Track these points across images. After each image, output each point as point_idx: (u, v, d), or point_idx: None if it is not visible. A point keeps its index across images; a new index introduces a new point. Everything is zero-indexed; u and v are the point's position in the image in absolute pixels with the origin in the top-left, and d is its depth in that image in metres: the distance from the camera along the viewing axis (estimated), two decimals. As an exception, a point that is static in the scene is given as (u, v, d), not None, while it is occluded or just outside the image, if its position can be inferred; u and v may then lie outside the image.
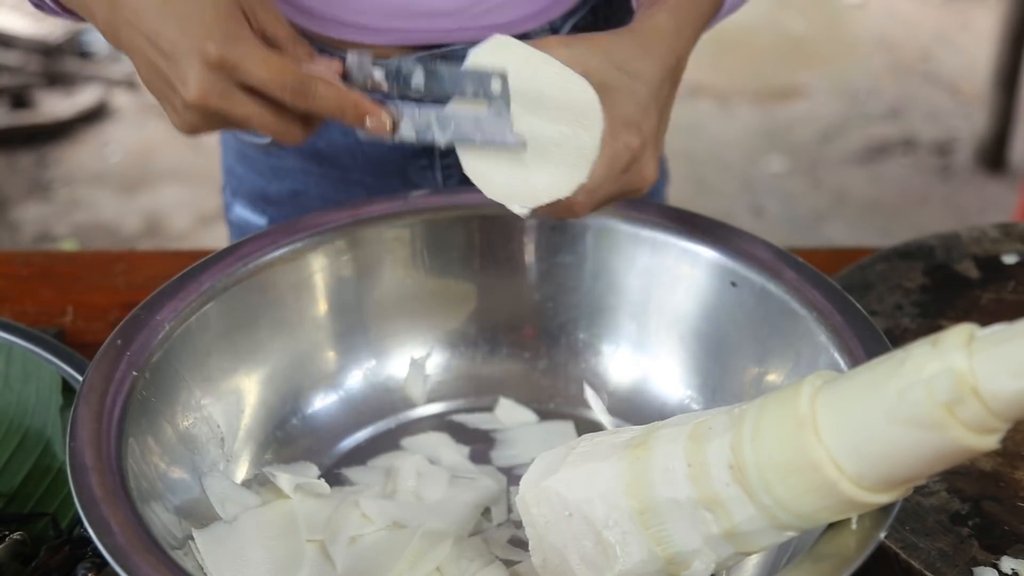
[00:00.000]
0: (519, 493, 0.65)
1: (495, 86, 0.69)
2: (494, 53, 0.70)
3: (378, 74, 0.69)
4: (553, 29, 0.93)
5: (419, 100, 0.70)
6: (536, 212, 0.72)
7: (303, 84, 0.67)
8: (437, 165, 0.98)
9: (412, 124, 0.69)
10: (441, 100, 0.70)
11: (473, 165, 0.71)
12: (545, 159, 0.70)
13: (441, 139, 0.69)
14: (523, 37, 0.71)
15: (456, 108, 0.69)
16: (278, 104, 0.68)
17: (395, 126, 0.69)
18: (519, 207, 0.71)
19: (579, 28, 0.95)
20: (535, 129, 0.70)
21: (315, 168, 1.01)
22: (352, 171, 1.00)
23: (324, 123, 0.71)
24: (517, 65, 0.69)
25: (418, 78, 0.69)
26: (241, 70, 0.66)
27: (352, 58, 0.69)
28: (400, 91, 0.69)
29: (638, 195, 0.74)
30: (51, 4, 0.76)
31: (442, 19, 0.90)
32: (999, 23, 3.08)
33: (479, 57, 0.70)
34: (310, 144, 0.99)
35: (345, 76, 0.69)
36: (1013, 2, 2.99)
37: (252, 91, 0.67)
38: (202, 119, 0.68)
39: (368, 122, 0.68)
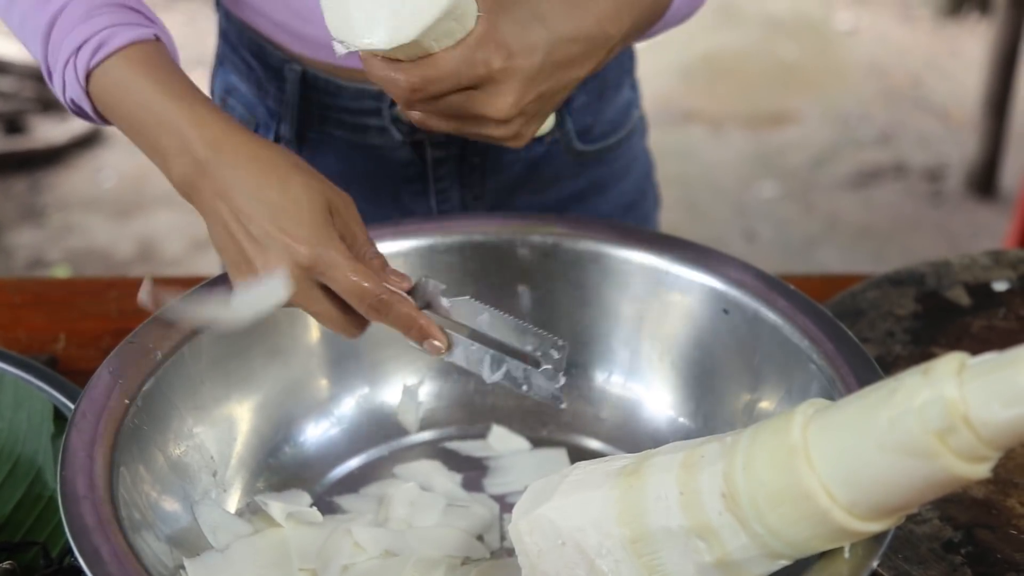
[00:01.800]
0: (512, 521, 0.65)
1: (555, 352, 0.72)
2: None
3: (445, 304, 0.73)
4: None
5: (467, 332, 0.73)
6: (362, 61, 0.70)
7: (383, 303, 0.69)
8: (431, 191, 0.99)
9: (464, 355, 0.73)
10: (497, 343, 0.73)
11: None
12: (385, 10, 0.67)
13: (489, 376, 0.73)
14: None
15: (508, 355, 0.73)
16: (347, 307, 0.70)
17: (449, 350, 0.72)
18: (340, 45, 0.68)
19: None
20: None
21: (308, 195, 1.01)
22: (345, 197, 1.00)
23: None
24: None
25: (483, 320, 0.73)
26: (328, 277, 0.68)
27: (424, 283, 0.72)
28: (459, 326, 0.73)
29: (483, 129, 0.72)
30: (93, 115, 0.75)
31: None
32: (988, 49, 3.10)
33: None
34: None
35: (411, 292, 0.72)
36: (1002, 28, 3.02)
37: (329, 291, 0.69)
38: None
39: (426, 345, 0.72)
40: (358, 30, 0.67)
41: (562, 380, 0.73)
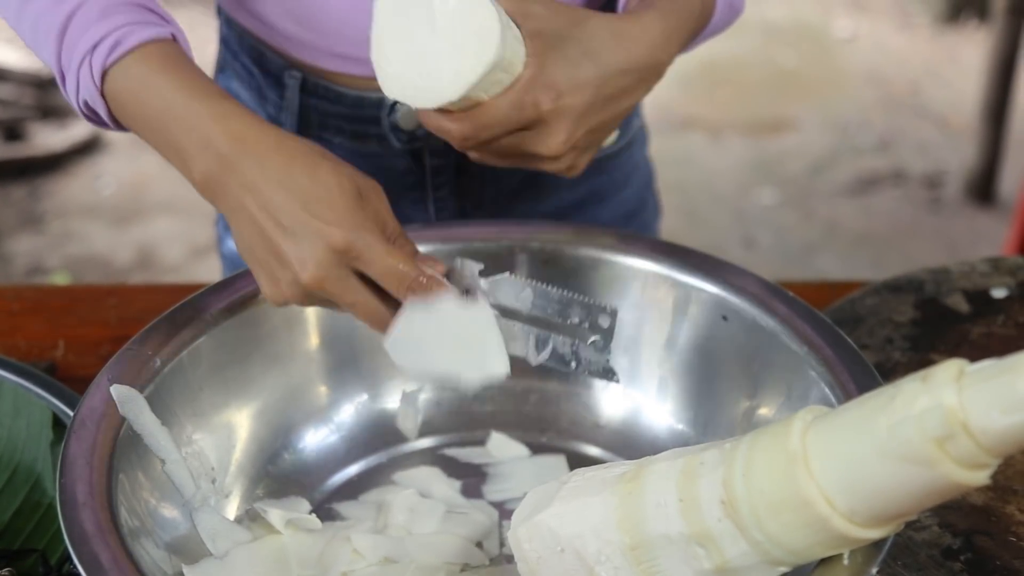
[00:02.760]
0: (511, 528, 0.65)
1: (603, 321, 0.70)
2: None
3: (484, 285, 0.70)
4: None
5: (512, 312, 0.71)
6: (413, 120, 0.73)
7: (421, 286, 0.67)
8: (430, 199, 0.99)
9: (508, 338, 0.70)
10: (542, 321, 0.71)
11: (379, 57, 0.70)
12: (434, 69, 0.69)
13: (535, 358, 0.70)
14: None
15: (553, 332, 0.71)
16: (385, 294, 0.68)
17: None
18: (399, 104, 0.70)
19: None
20: (429, 41, 0.69)
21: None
22: (345, 204, 1.00)
23: None
24: None
25: (525, 297, 0.70)
26: (364, 260, 0.66)
27: (460, 266, 0.70)
28: (502, 305, 0.70)
29: (538, 165, 0.74)
30: (107, 119, 0.73)
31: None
32: (987, 57, 3.11)
33: None
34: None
35: (448, 276, 0.70)
36: (1001, 36, 3.02)
37: (365, 279, 0.67)
38: (304, 297, 0.68)
39: None
40: (410, 90, 0.69)
41: (611, 352, 0.70)
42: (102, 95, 0.72)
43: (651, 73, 0.75)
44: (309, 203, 0.66)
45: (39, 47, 0.74)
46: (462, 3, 0.69)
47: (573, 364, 0.70)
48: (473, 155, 0.75)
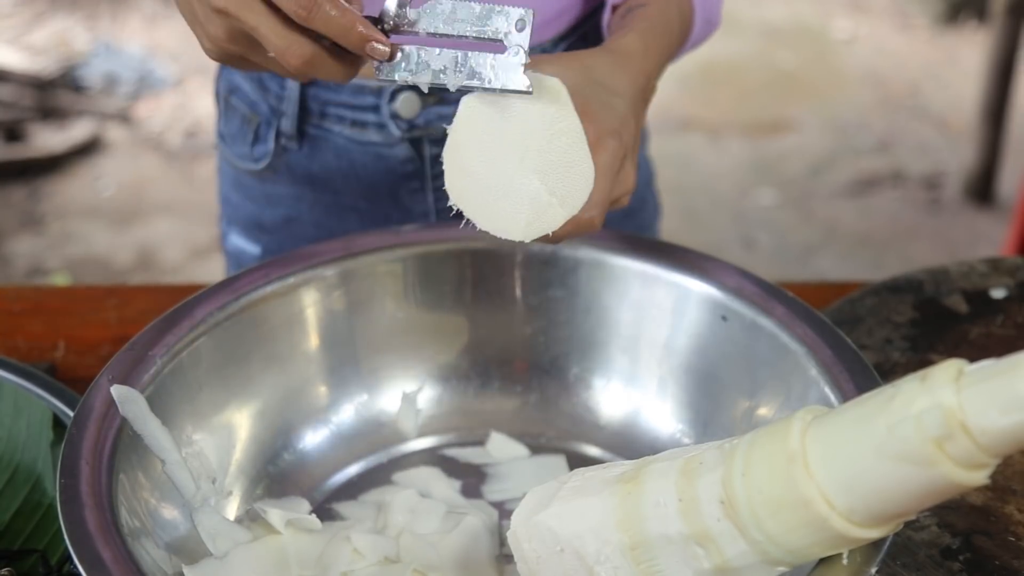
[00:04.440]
0: (511, 528, 0.65)
1: (520, 23, 0.65)
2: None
3: (412, 15, 0.66)
4: (543, 51, 0.94)
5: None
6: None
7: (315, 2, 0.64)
8: (429, 187, 0.99)
9: (415, 59, 0.66)
10: (461, 40, 0.66)
11: (453, 160, 0.68)
12: (512, 200, 0.67)
13: (453, 82, 0.66)
14: None
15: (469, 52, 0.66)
16: (286, 19, 0.65)
17: (392, 56, 0.66)
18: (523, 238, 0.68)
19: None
20: (515, 171, 0.67)
21: (308, 193, 1.02)
22: (345, 196, 1.01)
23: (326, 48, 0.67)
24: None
25: (443, 9, 0.66)
26: None
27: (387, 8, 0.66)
28: (429, 32, 0.66)
29: (622, 204, 0.74)
30: None
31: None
32: (986, 58, 3.11)
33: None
34: (303, 167, 1.00)
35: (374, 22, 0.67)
36: (1000, 37, 3.02)
37: (269, 4, 0.65)
38: (225, 32, 0.66)
39: (368, 48, 0.65)
40: (479, 210, 0.67)
41: (526, 57, 0.65)
42: None
43: (648, 89, 0.77)
44: None
45: None
46: (567, 154, 0.67)
47: (490, 81, 0.65)
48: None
